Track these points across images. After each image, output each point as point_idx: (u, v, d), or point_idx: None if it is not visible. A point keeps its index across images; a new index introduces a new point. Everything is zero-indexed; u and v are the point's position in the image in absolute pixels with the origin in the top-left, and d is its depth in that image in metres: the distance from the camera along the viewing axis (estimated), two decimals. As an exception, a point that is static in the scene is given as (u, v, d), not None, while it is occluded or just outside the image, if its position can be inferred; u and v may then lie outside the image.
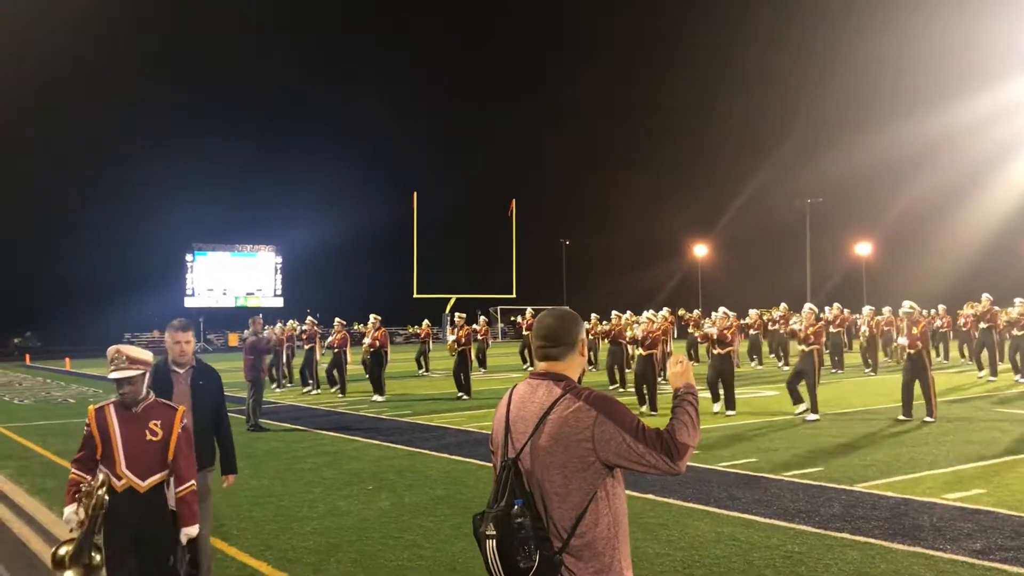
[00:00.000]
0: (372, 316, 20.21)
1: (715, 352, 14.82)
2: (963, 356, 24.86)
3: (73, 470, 4.51)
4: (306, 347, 21.64)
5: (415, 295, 42.89)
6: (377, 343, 19.29)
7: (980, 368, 20.62)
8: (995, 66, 48.55)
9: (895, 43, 54.85)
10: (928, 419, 13.09)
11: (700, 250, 61.72)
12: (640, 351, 15.59)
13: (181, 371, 5.52)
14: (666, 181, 67.47)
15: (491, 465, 3.00)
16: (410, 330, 52.44)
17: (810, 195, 52.62)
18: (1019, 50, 46.93)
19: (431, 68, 77.08)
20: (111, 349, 4.54)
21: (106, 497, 4.18)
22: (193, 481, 4.61)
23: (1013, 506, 7.60)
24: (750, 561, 6.21)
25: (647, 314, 17.90)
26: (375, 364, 18.92)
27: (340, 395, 19.36)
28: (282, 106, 72.03)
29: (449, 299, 46.73)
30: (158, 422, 4.53)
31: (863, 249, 55.74)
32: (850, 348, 27.57)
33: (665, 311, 22.94)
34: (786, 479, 9.05)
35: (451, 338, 19.39)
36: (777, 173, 57.95)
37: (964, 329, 24.13)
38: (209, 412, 5.59)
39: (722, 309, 15.48)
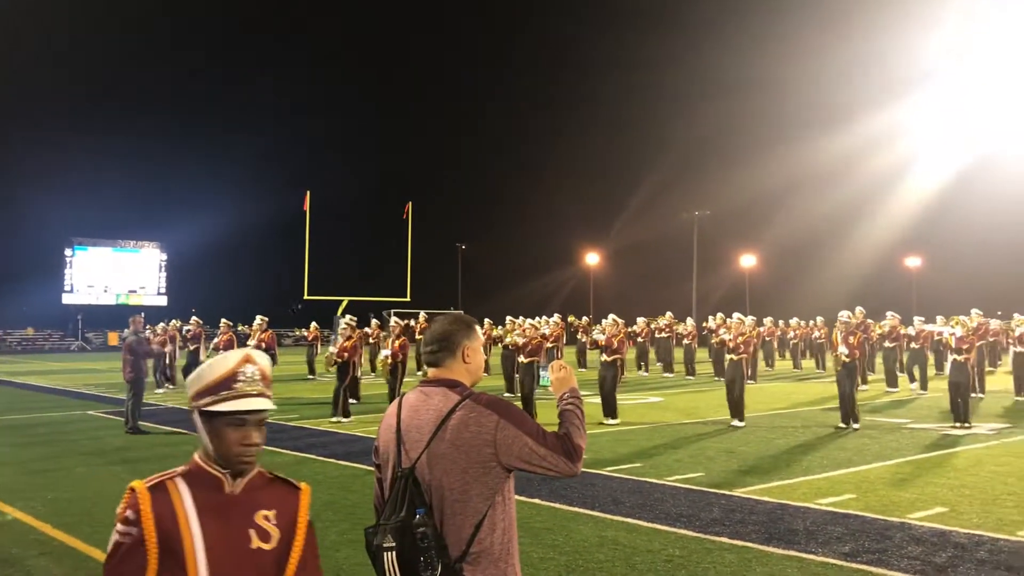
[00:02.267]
0: (259, 317, 19.78)
1: (603, 359, 15.08)
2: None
3: None
4: (190, 348, 21.00)
5: (306, 296, 42.10)
6: (263, 345, 18.92)
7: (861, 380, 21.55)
8: (882, 88, 50.96)
9: (786, 63, 56.78)
10: (855, 426, 13.59)
11: (592, 258, 62.67)
12: (522, 358, 15.71)
13: None
14: (562, 189, 68.25)
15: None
16: (298, 332, 51.52)
17: (698, 208, 54.09)
18: (906, 73, 49.28)
19: (328, 66, 75.84)
20: (232, 356, 2.26)
21: None
22: None
23: (879, 510, 8.00)
24: (632, 565, 6.34)
25: (530, 321, 18.05)
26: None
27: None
28: (170, 98, 69.64)
29: (341, 301, 46.09)
30: (271, 513, 2.32)
31: (748, 261, 57.56)
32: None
33: (556, 317, 23.23)
34: (668, 484, 9.28)
35: (385, 352, 16.34)
36: (667, 185, 59.30)
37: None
38: None
39: (611, 316, 15.75)
